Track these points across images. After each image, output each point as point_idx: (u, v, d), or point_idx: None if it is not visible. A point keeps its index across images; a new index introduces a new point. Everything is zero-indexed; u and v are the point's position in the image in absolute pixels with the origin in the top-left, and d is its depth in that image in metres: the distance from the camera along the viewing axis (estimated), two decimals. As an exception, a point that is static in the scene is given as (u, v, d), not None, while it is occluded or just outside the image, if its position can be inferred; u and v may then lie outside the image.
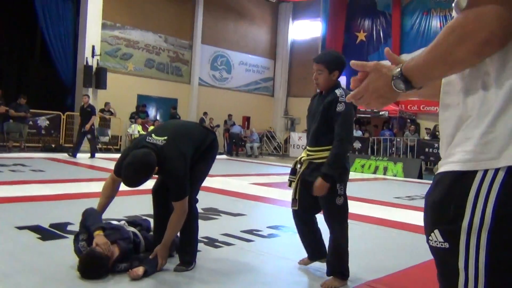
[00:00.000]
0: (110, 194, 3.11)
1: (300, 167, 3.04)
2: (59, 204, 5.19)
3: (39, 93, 15.59)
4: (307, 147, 3.02)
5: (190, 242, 3.13)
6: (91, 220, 2.97)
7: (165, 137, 2.96)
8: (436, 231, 0.99)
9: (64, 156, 11.53)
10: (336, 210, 2.88)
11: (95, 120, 11.95)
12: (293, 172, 3.13)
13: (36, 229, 3.94)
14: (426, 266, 3.60)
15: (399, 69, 1.05)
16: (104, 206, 3.09)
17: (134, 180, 2.79)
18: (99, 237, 2.82)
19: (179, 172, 2.88)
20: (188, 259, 3.08)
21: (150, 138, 2.98)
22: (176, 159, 2.89)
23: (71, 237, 3.72)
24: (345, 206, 2.90)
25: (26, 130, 12.76)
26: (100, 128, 14.60)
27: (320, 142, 2.88)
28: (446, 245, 0.98)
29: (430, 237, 1.02)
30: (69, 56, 14.78)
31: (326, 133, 2.84)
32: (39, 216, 4.40)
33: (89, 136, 11.44)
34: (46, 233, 3.83)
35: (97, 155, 11.87)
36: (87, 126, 11.18)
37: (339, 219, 2.91)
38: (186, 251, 3.11)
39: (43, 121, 13.47)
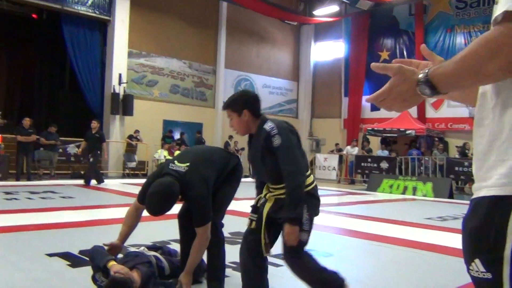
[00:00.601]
0: (132, 222, 3.13)
1: (263, 204, 2.67)
2: (89, 230, 5.24)
3: (68, 121, 15.97)
4: (268, 184, 2.68)
5: (217, 267, 3.09)
6: (98, 257, 2.96)
7: (187, 163, 2.98)
8: (477, 261, 0.94)
9: (93, 182, 11.71)
10: (298, 245, 2.49)
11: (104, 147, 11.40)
12: (254, 210, 2.75)
13: (66, 256, 3.97)
14: (464, 291, 3.46)
15: (425, 74, 1.02)
16: (126, 235, 3.10)
17: (158, 209, 2.82)
18: (114, 266, 2.81)
19: (201, 198, 2.90)
20: (216, 285, 3.04)
21: (173, 165, 3.01)
22: (198, 185, 2.91)
23: (93, 275, 3.74)
24: (307, 242, 2.54)
25: (56, 157, 13.06)
26: (127, 154, 14.86)
27: (281, 179, 2.51)
28: (489, 275, 0.92)
29: (471, 267, 0.96)
30: (97, 84, 15.16)
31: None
32: (69, 243, 4.43)
33: (91, 159, 10.91)
34: (75, 260, 3.85)
35: (124, 180, 12.02)
36: (106, 156, 11.09)
37: (298, 255, 2.57)
38: (214, 276, 3.07)
39: (72, 149, 13.76)
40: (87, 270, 3.53)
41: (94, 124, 11.13)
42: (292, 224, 2.37)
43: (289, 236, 2.40)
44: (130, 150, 14.95)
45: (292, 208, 2.36)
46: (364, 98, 19.29)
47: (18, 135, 11.58)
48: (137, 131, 14.87)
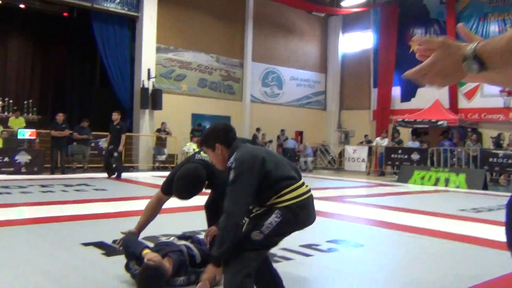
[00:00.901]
0: (152, 213, 3.19)
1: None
2: (121, 221, 5.33)
3: (100, 116, 16.27)
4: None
5: None
6: (133, 246, 3.03)
7: None
8: None
9: (124, 175, 11.93)
10: (245, 241, 2.37)
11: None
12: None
13: (100, 245, 4.06)
14: (503, 281, 3.37)
15: (473, 50, 0.98)
16: (144, 224, 3.14)
17: (185, 193, 2.87)
18: (148, 254, 2.86)
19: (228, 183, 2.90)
20: None
21: (198, 155, 3.07)
22: (224, 172, 2.92)
23: (126, 263, 3.81)
24: (258, 242, 2.37)
25: (88, 151, 13.39)
26: (156, 147, 15.08)
27: (259, 202, 2.44)
28: None
29: None
30: (126, 79, 15.41)
31: (259, 194, 2.38)
32: (103, 233, 4.53)
33: (115, 154, 11.03)
34: (109, 249, 3.94)
35: (154, 173, 12.20)
36: (121, 148, 10.89)
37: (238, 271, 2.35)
38: None
39: (104, 143, 14.03)
40: (121, 259, 3.60)
41: (115, 116, 11.13)
42: (213, 263, 2.28)
43: (206, 274, 2.33)
44: (160, 143, 15.17)
45: (217, 246, 2.26)
46: (394, 89, 18.96)
47: (52, 130, 11.90)
48: (164, 123, 15.08)
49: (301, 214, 2.39)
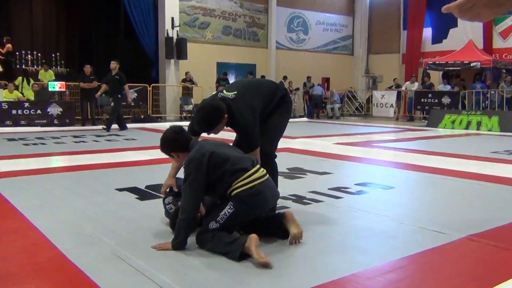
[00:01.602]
0: None
1: None
2: (153, 168, 5.47)
3: (126, 67, 16.30)
4: None
5: None
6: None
7: (235, 92, 3.06)
8: None
9: (153, 125, 12.10)
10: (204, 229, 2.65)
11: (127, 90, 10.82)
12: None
13: (134, 190, 4.19)
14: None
15: None
16: (177, 168, 3.18)
17: (205, 122, 2.91)
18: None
19: (247, 122, 2.98)
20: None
21: (221, 94, 3.10)
22: (244, 110, 2.98)
23: (163, 201, 3.92)
24: (213, 233, 2.60)
25: (117, 102, 13.54)
26: (183, 97, 15.14)
27: (217, 195, 2.79)
28: None
29: None
30: (151, 29, 15.27)
31: (215, 188, 2.70)
32: (136, 179, 4.66)
33: (112, 104, 10.55)
34: (143, 194, 4.06)
35: (182, 123, 12.26)
36: (129, 99, 10.50)
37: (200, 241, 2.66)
38: None
39: (131, 94, 14.17)
40: (155, 202, 3.73)
41: (113, 65, 10.35)
42: (171, 245, 2.57)
43: (164, 244, 2.62)
44: (187, 93, 15.22)
45: (174, 237, 2.59)
46: (425, 30, 18.22)
47: (81, 82, 12.06)
48: (187, 73, 15.05)
49: (254, 202, 2.62)
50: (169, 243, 2.59)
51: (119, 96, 10.38)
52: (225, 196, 2.65)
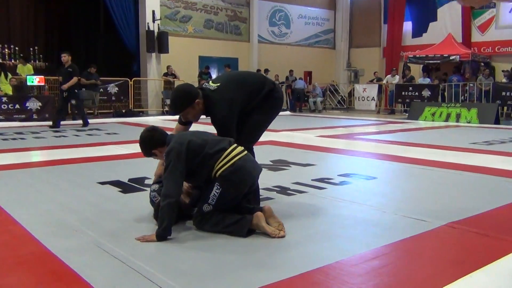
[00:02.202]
0: None
1: None
2: (135, 162, 5.42)
3: (106, 61, 16.13)
4: None
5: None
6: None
7: (218, 84, 3.09)
8: None
9: (134, 120, 11.99)
10: (200, 213, 2.78)
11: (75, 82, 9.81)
12: None
13: (117, 183, 4.15)
14: (513, 206, 3.41)
15: None
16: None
17: (174, 104, 3.04)
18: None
19: (221, 117, 3.01)
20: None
21: (206, 84, 3.15)
22: (221, 103, 3.00)
23: (149, 189, 3.90)
24: (209, 211, 2.74)
25: (98, 97, 13.40)
26: (165, 91, 15.02)
27: (201, 181, 2.88)
28: None
29: None
30: (131, 23, 15.09)
31: (197, 175, 2.82)
32: (118, 173, 4.62)
33: (73, 101, 10.07)
34: (126, 187, 4.03)
35: (164, 117, 12.21)
36: (64, 86, 9.60)
37: (198, 224, 2.79)
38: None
39: (112, 88, 14.01)
40: (139, 195, 3.71)
41: (65, 58, 9.78)
42: (156, 238, 2.57)
43: (148, 236, 2.61)
44: (168, 87, 15.09)
45: (159, 225, 2.59)
46: (405, 24, 18.38)
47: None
48: (169, 67, 14.95)
49: (237, 177, 2.70)
50: (154, 235, 2.59)
51: (76, 91, 9.94)
52: (210, 179, 2.73)
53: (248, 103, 3.12)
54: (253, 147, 3.29)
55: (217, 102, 2.99)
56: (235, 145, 2.82)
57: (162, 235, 2.56)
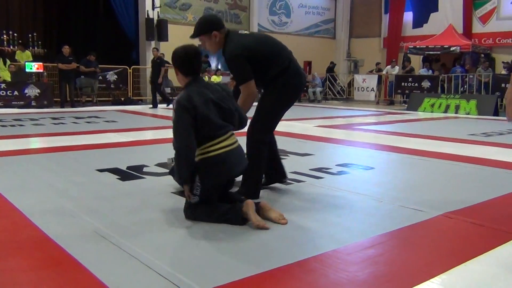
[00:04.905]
0: None
1: None
2: (134, 149, 5.44)
3: (105, 48, 16.03)
4: None
5: (250, 176, 3.15)
6: None
7: (247, 33, 3.31)
8: None
9: (133, 108, 11.97)
10: (188, 205, 2.78)
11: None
12: None
13: (115, 171, 4.16)
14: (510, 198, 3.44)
15: None
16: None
17: (195, 28, 3.13)
18: None
19: (232, 54, 3.00)
20: (242, 190, 3.14)
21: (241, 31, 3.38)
22: (238, 44, 3.03)
23: (148, 177, 3.92)
24: (198, 202, 2.72)
25: (96, 85, 13.37)
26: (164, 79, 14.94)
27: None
28: None
29: None
30: (131, 10, 15.01)
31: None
32: (117, 160, 4.63)
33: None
34: (124, 174, 4.04)
35: (162, 105, 12.23)
36: (160, 79, 11.74)
37: (189, 210, 2.76)
38: (244, 182, 3.19)
39: (111, 76, 13.97)
40: (137, 183, 3.73)
41: (154, 52, 12.04)
42: (184, 185, 2.73)
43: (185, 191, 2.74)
44: (167, 75, 15.00)
45: (178, 176, 2.79)
46: (406, 14, 18.28)
47: (59, 63, 11.81)
48: (161, 54, 14.80)
49: (218, 169, 2.67)
50: (185, 189, 2.70)
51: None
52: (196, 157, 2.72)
53: (263, 66, 3.08)
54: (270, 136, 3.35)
55: (233, 43, 3.04)
56: (231, 133, 2.76)
57: (185, 181, 2.67)
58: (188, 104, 2.59)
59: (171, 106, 11.12)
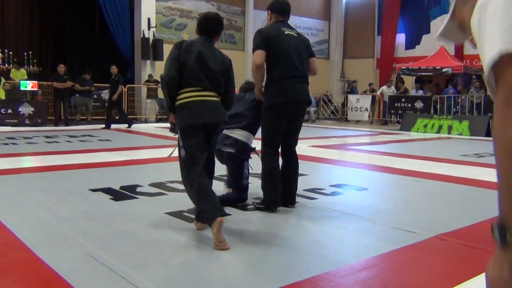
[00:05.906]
0: None
1: None
2: (127, 169, 5.42)
3: (101, 67, 16.10)
4: None
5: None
6: None
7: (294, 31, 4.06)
8: None
9: (130, 126, 11.97)
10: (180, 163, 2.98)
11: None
12: None
13: (108, 191, 4.14)
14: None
15: None
16: None
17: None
18: None
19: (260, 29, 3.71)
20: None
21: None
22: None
23: (141, 197, 3.90)
24: (185, 156, 2.89)
25: (91, 103, 13.38)
26: (159, 98, 14.94)
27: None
28: None
29: None
30: (126, 30, 15.12)
31: None
32: (110, 180, 4.61)
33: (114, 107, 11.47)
34: (117, 194, 4.02)
35: (158, 124, 12.21)
36: (114, 97, 11.19)
37: (181, 169, 2.95)
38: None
39: (106, 94, 13.98)
40: (130, 203, 3.71)
41: (113, 69, 11.49)
42: (170, 113, 3.03)
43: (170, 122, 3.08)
44: (152, 95, 14.97)
45: (167, 109, 3.07)
46: (398, 36, 18.54)
47: (54, 81, 11.83)
48: (150, 76, 14.85)
49: (184, 113, 2.89)
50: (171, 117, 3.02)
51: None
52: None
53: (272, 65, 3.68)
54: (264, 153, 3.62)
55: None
56: (213, 93, 2.96)
57: (170, 109, 2.97)
58: (179, 45, 2.97)
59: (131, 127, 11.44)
